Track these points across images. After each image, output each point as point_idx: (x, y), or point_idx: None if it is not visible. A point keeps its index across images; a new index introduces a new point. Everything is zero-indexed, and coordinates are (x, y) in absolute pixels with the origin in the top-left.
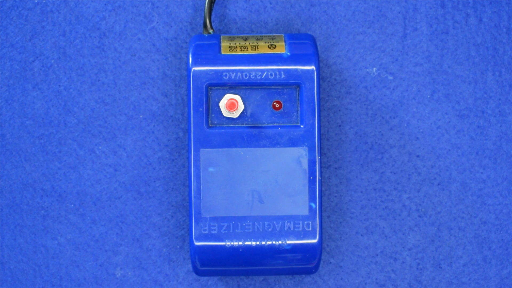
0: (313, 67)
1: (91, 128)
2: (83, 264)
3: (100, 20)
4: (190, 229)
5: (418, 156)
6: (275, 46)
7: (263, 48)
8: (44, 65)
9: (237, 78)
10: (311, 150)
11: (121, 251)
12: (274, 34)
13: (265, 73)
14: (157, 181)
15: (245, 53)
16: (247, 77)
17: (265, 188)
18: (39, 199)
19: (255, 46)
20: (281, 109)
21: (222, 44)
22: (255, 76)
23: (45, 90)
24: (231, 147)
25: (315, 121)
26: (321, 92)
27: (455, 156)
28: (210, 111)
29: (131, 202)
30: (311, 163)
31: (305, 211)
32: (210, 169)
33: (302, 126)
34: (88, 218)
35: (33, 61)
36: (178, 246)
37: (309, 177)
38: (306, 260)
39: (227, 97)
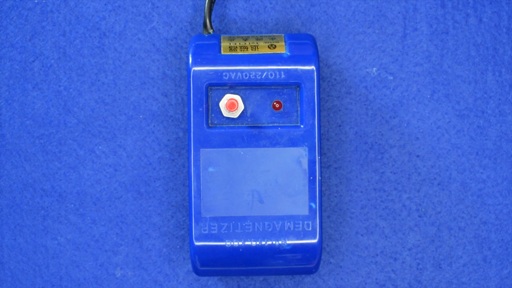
0: (313, 67)
1: (91, 128)
2: (83, 264)
3: (100, 20)
4: (190, 229)
5: (418, 156)
6: (275, 46)
7: (263, 48)
8: (44, 65)
9: (237, 78)
10: (311, 150)
11: (121, 251)
12: (274, 34)
13: (265, 73)
14: (157, 181)
15: (245, 53)
16: (247, 77)
17: (265, 188)
18: (39, 199)
19: (255, 46)
20: (281, 109)
21: (222, 44)
22: (255, 76)
23: (45, 90)
24: (231, 147)
25: (315, 121)
26: (321, 92)
27: (455, 156)
28: (210, 111)
29: (131, 202)
30: (311, 163)
31: (305, 211)
32: (210, 169)
33: (302, 126)
34: (88, 218)
35: (33, 61)
36: (178, 246)
37: (309, 177)
38: (306, 260)
39: (227, 97)
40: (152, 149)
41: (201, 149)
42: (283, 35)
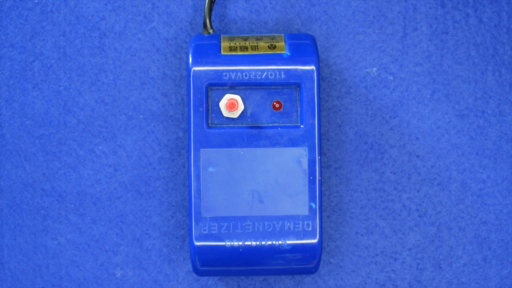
0: (313, 67)
1: (91, 128)
2: (83, 264)
3: (100, 20)
4: (190, 229)
5: (418, 156)
6: (275, 46)
7: (263, 48)
8: (44, 65)
9: (237, 78)
10: (311, 150)
11: (121, 251)
12: (274, 34)
13: (265, 73)
14: (157, 181)
15: (245, 53)
16: (247, 77)
17: (265, 188)
18: (39, 199)
19: (255, 46)
20: (281, 109)
21: (222, 44)
22: (255, 76)
23: (45, 90)
24: (231, 147)
25: (315, 121)
26: (321, 92)
27: (455, 156)
28: (210, 111)
29: (131, 202)
30: (311, 163)
31: (305, 211)
32: (210, 169)
33: (302, 126)
34: (88, 218)
35: (33, 61)
36: (178, 246)
37: (309, 177)
38: (306, 260)
39: (227, 97)
40: (152, 149)
41: (201, 149)
42: (283, 35)
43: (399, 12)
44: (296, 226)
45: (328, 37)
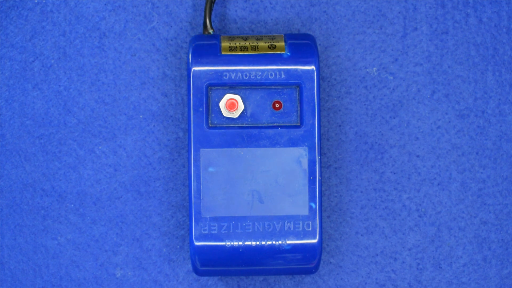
0: (313, 67)
1: (91, 128)
2: (83, 264)
3: (100, 20)
4: (190, 229)
5: (418, 156)
6: (275, 46)
7: (263, 48)
8: (44, 65)
9: (237, 78)
10: (311, 150)
11: (121, 251)
12: (274, 34)
13: (265, 73)
14: (157, 181)
15: (245, 53)
16: (247, 77)
17: (265, 188)
18: (39, 199)
19: (255, 46)
20: (281, 109)
21: (222, 44)
22: (255, 76)
23: (45, 90)
24: (231, 147)
25: (315, 121)
26: (321, 92)
27: (455, 156)
28: (210, 111)
29: (131, 202)
30: (311, 163)
31: (305, 211)
32: (210, 169)
33: (302, 126)
34: (88, 218)
35: (33, 61)
36: (178, 246)
37: (309, 177)
38: (306, 260)
39: (227, 97)
40: (152, 149)
41: (201, 149)
42: (283, 35)
43: (399, 12)
44: (296, 226)
45: (328, 37)
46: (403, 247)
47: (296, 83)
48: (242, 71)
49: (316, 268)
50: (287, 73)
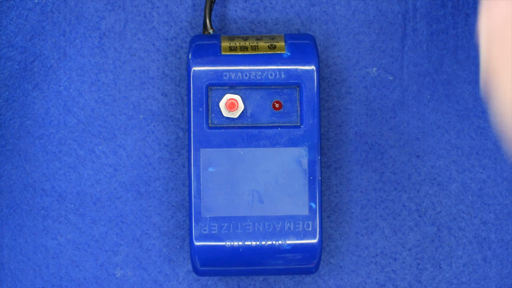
0: (313, 67)
1: (91, 128)
2: (83, 264)
3: (100, 20)
4: (190, 229)
5: (418, 156)
6: (275, 46)
7: (263, 48)
8: (44, 65)
9: (237, 78)
10: (311, 150)
11: (121, 251)
12: (274, 34)
13: (265, 73)
14: (157, 181)
15: (245, 53)
16: (247, 77)
17: (265, 188)
18: (39, 199)
19: (255, 46)
20: (281, 109)
21: (222, 44)
22: (255, 76)
23: (45, 90)
24: (231, 147)
25: (315, 121)
26: (321, 92)
27: (455, 156)
28: (210, 111)
29: (131, 202)
30: (311, 163)
31: (305, 211)
32: (210, 169)
33: (302, 126)
34: (88, 218)
35: (33, 61)
36: (178, 246)
37: (309, 177)
38: (306, 260)
39: (227, 97)
40: (152, 149)
41: (201, 149)
42: (283, 35)
43: (399, 12)
44: (296, 226)
45: (328, 37)
46: (403, 247)
47: (296, 83)
48: (242, 71)
49: (316, 268)
50: (287, 73)
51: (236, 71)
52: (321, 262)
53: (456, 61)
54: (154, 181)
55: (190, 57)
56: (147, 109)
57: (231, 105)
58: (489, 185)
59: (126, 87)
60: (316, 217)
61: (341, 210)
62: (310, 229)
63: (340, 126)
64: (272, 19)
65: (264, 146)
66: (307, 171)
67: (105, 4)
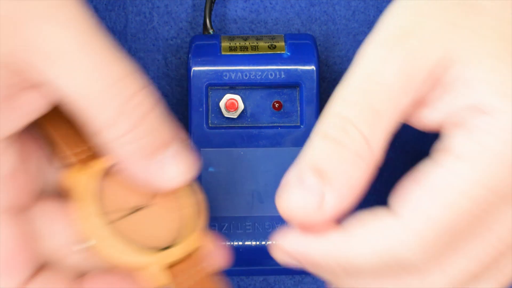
0: (313, 67)
1: None
2: None
3: (100, 20)
4: None
5: (418, 156)
6: (275, 46)
7: (263, 48)
8: None
9: (237, 78)
10: None
11: None
12: (274, 34)
13: (265, 73)
14: None
15: (245, 53)
16: (247, 77)
17: (265, 188)
18: None
19: (255, 46)
20: (281, 109)
21: (222, 44)
22: (255, 76)
23: None
24: (231, 147)
25: (315, 121)
26: (321, 92)
27: None
28: (210, 111)
29: None
30: None
31: None
32: (210, 169)
33: (302, 126)
34: None
35: None
36: None
37: None
38: None
39: (227, 97)
40: None
41: (201, 149)
42: (283, 35)
43: None
44: None
45: (328, 37)
46: None
47: (296, 83)
48: (242, 71)
49: None
50: (287, 73)
51: (236, 71)
52: None
53: None
54: None
55: (190, 57)
56: None
57: (231, 105)
58: None
59: None
60: None
61: None
62: None
63: None
64: (272, 19)
65: (264, 146)
66: None
67: (105, 4)
